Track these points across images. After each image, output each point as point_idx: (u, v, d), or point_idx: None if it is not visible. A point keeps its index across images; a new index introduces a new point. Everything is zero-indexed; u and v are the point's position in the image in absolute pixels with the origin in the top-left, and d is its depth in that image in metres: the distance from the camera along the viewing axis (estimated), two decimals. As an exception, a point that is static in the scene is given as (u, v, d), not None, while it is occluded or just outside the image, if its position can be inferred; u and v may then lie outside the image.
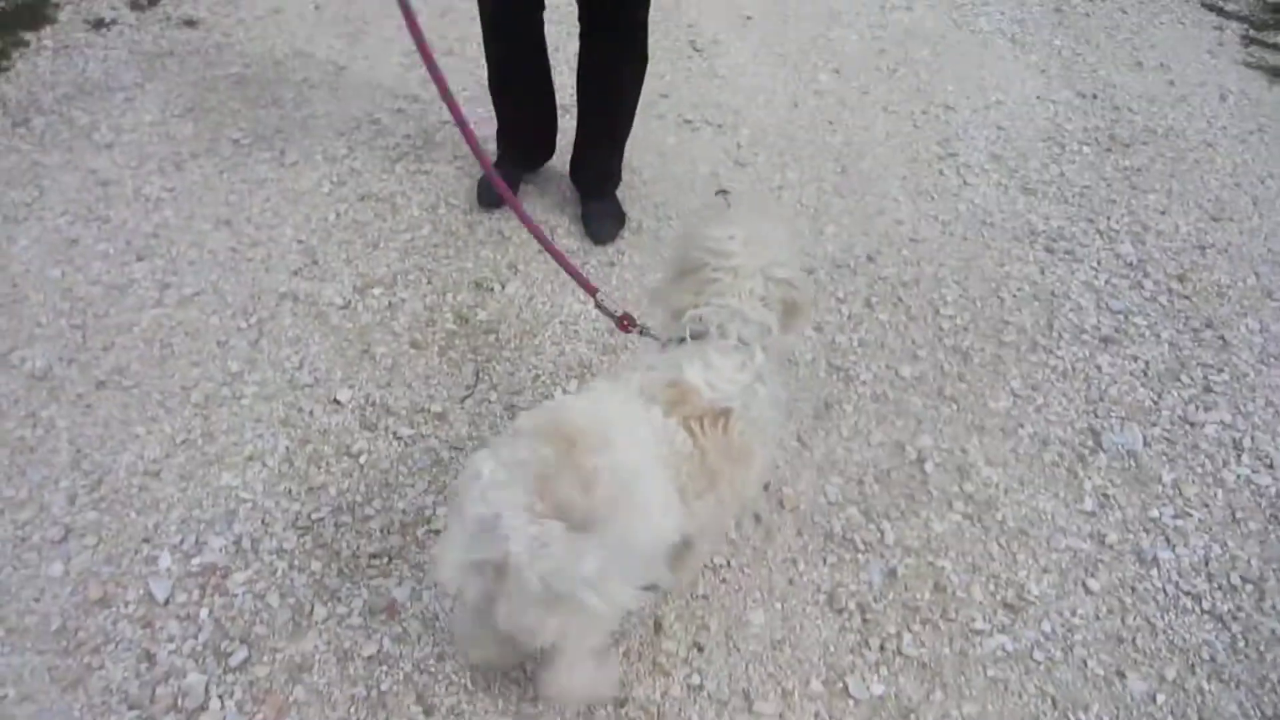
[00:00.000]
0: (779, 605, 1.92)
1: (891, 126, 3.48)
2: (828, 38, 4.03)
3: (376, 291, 2.54)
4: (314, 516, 1.98)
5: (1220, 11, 4.64)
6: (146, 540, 1.92)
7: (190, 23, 3.79)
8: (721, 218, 1.58)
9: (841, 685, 1.79)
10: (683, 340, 1.48)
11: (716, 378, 1.41)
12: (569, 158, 2.86)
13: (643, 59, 2.56)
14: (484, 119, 2.93)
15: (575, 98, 2.71)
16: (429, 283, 2.60)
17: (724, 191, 1.73)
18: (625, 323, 1.69)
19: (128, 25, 3.74)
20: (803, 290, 1.52)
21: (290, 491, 2.02)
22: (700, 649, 1.83)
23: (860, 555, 2.03)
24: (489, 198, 2.81)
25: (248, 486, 2.03)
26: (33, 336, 2.35)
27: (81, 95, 3.30)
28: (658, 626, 1.86)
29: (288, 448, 2.11)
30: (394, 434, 2.17)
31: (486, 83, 2.75)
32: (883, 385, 2.43)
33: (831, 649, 1.85)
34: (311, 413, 2.20)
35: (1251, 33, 4.45)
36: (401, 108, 3.31)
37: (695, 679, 1.78)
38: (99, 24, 3.76)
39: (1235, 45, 4.32)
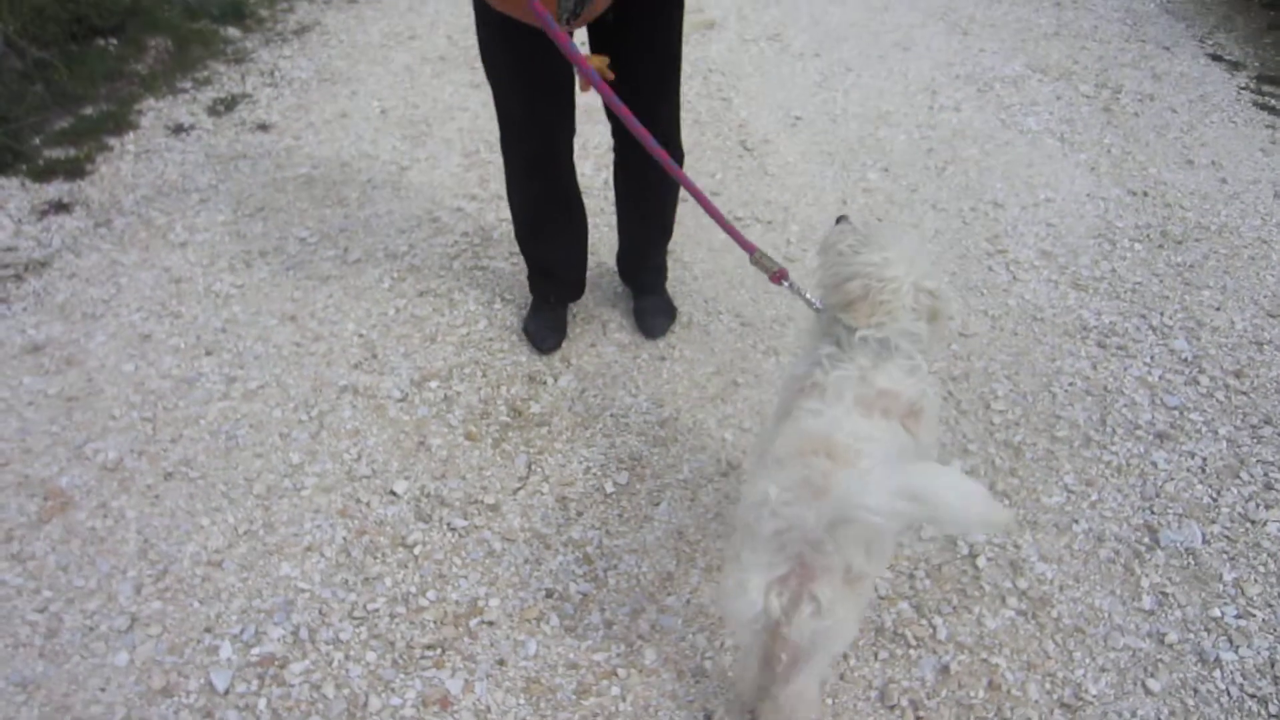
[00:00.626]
0: (830, 701, 1.93)
1: (940, 223, 3.57)
2: (876, 137, 4.16)
3: (433, 384, 2.66)
4: (369, 607, 2.05)
5: (1272, 110, 4.71)
6: (208, 630, 2.00)
7: (263, 127, 4.05)
8: (870, 241, 1.72)
9: None
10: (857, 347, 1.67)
11: (903, 384, 1.60)
12: (614, 255, 2.96)
13: (678, 159, 2.57)
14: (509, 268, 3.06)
15: (614, 203, 2.81)
16: (484, 375, 2.71)
17: (844, 217, 1.87)
18: (778, 277, 1.96)
19: (205, 130, 4.01)
20: (945, 297, 1.72)
21: (347, 582, 2.10)
22: (750, 746, 1.84)
23: (912, 651, 2.04)
24: (546, 343, 2.81)
25: (306, 577, 2.11)
26: (106, 429, 2.49)
27: (159, 197, 3.53)
28: (708, 717, 1.88)
29: (345, 538, 2.20)
30: (448, 525, 2.25)
31: (514, 234, 2.78)
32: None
33: None
34: (369, 504, 2.30)
35: (1305, 128, 4.50)
36: (460, 206, 3.49)
37: (745, 778, 1.79)
38: (178, 129, 4.04)
39: (1289, 141, 4.37)
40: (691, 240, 3.28)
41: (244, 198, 3.53)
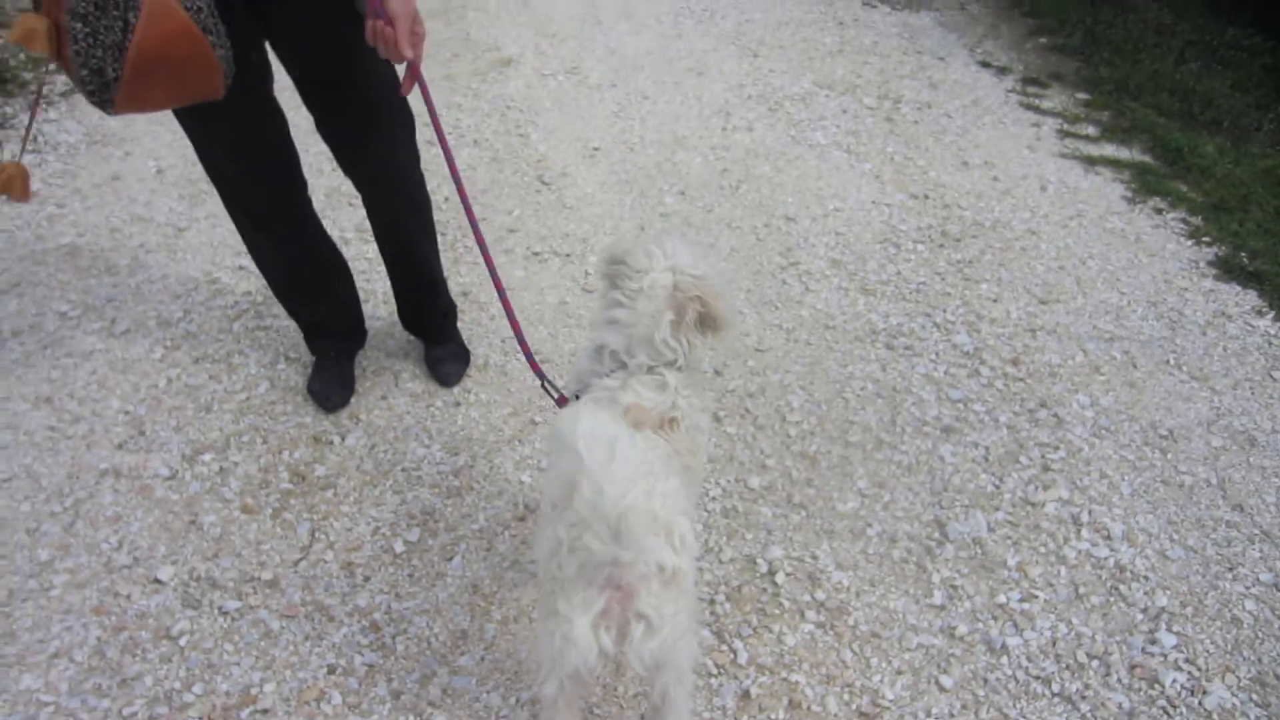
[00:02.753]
0: None
1: (736, 241, 3.58)
2: (673, 162, 4.17)
3: (207, 457, 2.46)
4: (125, 712, 1.84)
5: (1036, 110, 4.98)
6: None
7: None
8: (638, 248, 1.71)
9: None
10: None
11: (652, 399, 1.62)
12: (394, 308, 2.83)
13: (424, 206, 2.52)
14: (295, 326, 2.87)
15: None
16: (264, 442, 2.53)
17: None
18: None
19: None
20: (716, 302, 1.68)
21: (100, 687, 1.89)
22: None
23: (713, 680, 1.98)
24: (330, 401, 2.67)
25: (51, 688, 1.89)
26: None
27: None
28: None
29: (99, 638, 1.99)
30: (219, 609, 2.07)
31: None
32: (732, 499, 2.43)
33: None
34: (129, 596, 2.09)
35: (1065, 126, 4.78)
36: (243, 265, 3.28)
37: None
38: None
39: (1052, 139, 4.63)
40: (487, 280, 3.17)
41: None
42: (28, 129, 2.23)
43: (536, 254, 3.48)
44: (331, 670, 1.96)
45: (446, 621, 2.08)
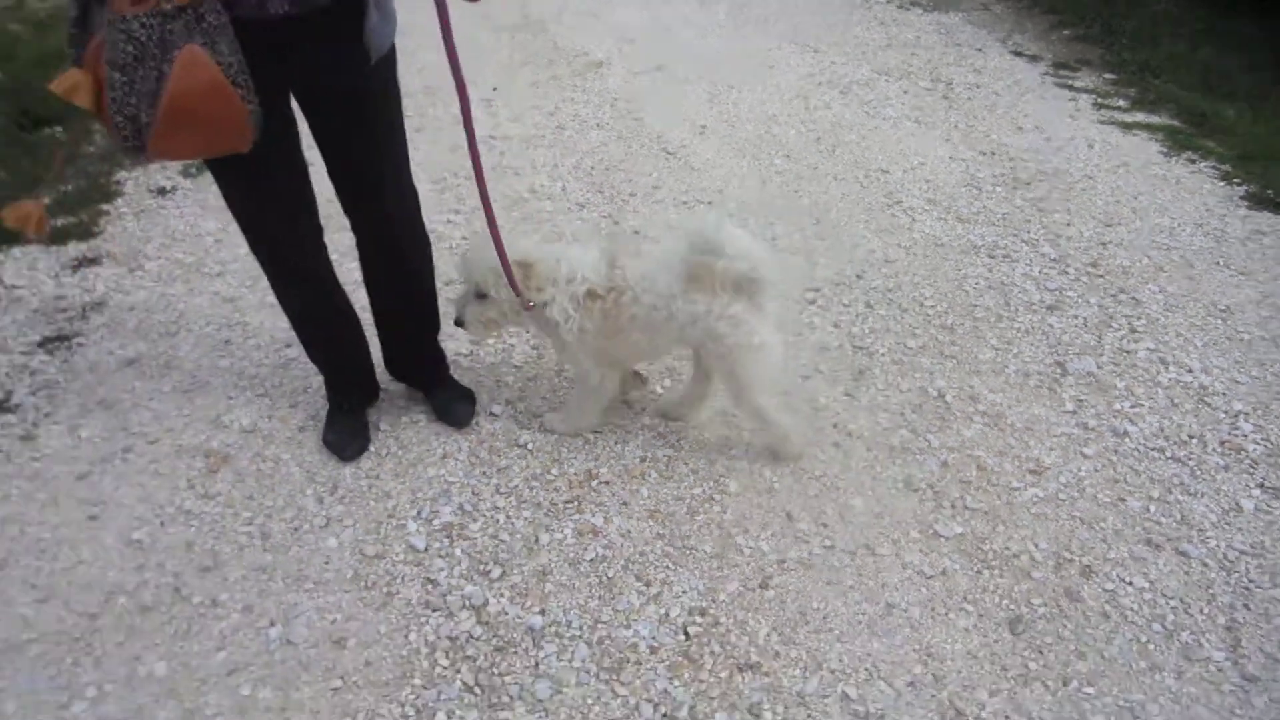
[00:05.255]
0: (870, 493, 2.71)
1: (844, 189, 4.50)
2: (771, 134, 5.10)
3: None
4: (510, 485, 2.70)
5: (1070, 88, 5.95)
6: (390, 516, 2.60)
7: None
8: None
9: (932, 530, 2.57)
10: None
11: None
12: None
13: (428, 245, 2.64)
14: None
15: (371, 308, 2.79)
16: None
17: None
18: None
19: (187, 190, 4.56)
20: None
21: (484, 473, 2.75)
22: (825, 525, 2.59)
23: (917, 457, 2.84)
24: (347, 452, 2.79)
25: (451, 474, 2.74)
26: (230, 405, 3.02)
27: (176, 242, 4.06)
28: (789, 516, 2.62)
29: (470, 447, 2.84)
30: (545, 427, 2.92)
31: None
32: (897, 355, 3.31)
33: (917, 512, 2.64)
34: (477, 423, 2.94)
35: (1099, 100, 5.74)
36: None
37: (828, 542, 2.54)
38: (162, 191, 4.57)
39: (1089, 110, 5.59)
40: (651, 224, 4.07)
41: (254, 234, 4.08)
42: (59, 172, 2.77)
43: (684, 203, 4.38)
44: (643, 460, 2.83)
45: (712, 432, 2.95)
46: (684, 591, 2.36)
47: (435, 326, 2.83)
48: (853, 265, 3.82)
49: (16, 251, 3.94)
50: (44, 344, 3.36)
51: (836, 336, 3.36)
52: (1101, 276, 3.79)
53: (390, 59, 2.23)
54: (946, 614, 2.30)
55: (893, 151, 4.84)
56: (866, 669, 2.16)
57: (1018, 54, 6.55)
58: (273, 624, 2.27)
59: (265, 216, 2.33)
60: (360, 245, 2.58)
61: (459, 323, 2.60)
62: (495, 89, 5.71)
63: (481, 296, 2.52)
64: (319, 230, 2.44)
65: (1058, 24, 7.22)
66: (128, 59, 1.78)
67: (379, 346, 2.92)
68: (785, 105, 5.46)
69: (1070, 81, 6.02)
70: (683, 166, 4.71)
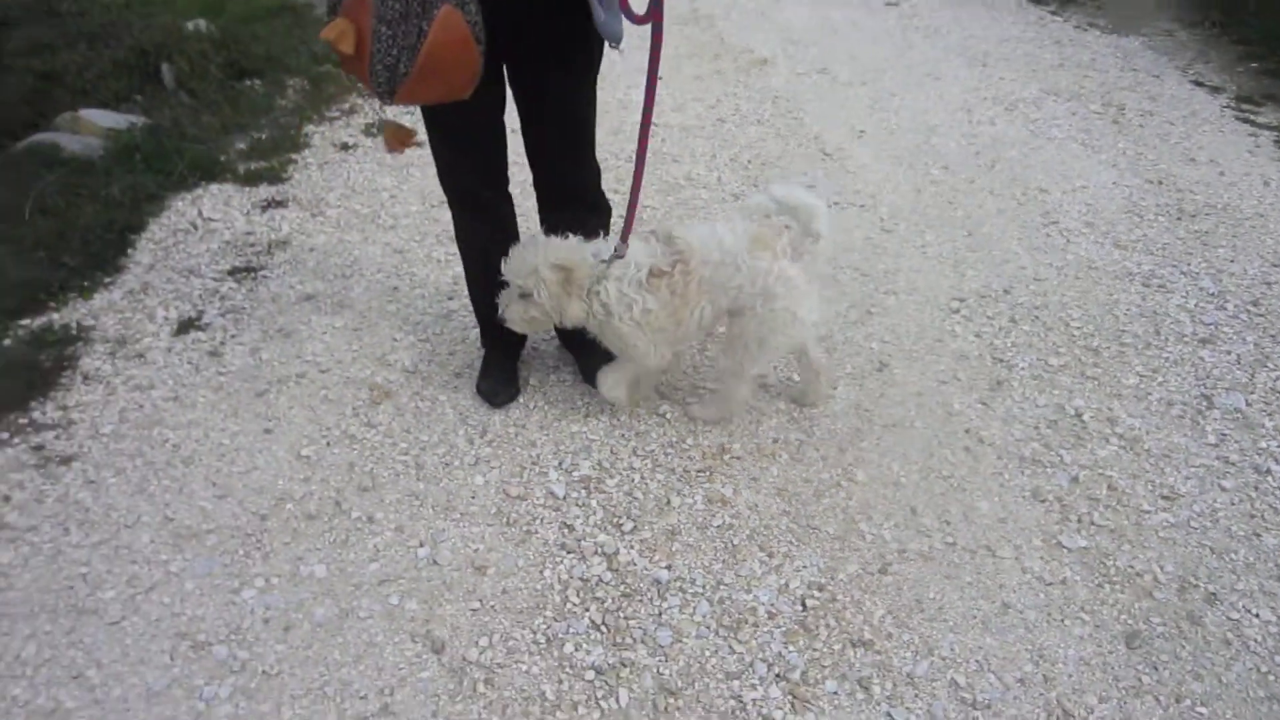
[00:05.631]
0: (996, 498, 2.75)
1: (1000, 205, 4.49)
2: (930, 144, 5.11)
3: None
4: (648, 449, 2.86)
5: (1252, 123, 5.74)
6: (534, 463, 2.79)
7: (420, 144, 4.91)
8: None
9: (1056, 540, 2.61)
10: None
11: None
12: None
13: (607, 212, 2.87)
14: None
15: None
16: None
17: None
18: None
19: (367, 147, 4.87)
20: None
21: (624, 435, 2.91)
22: (948, 523, 2.66)
23: (1047, 470, 2.87)
24: (498, 398, 3.00)
25: (593, 432, 2.91)
26: (394, 346, 3.27)
27: (354, 194, 4.37)
28: (913, 510, 2.69)
29: (612, 409, 3.01)
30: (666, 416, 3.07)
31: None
32: (1037, 370, 3.32)
33: (1042, 521, 2.67)
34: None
35: (1282, 135, 5.52)
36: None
37: (949, 539, 2.61)
38: (345, 146, 4.90)
39: (1270, 148, 5.38)
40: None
41: (426, 195, 4.37)
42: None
43: (836, 203, 4.46)
44: (775, 441, 2.94)
45: (843, 424, 3.03)
46: (804, 566, 2.47)
47: None
48: (1000, 280, 3.83)
49: (214, 188, 4.33)
50: (233, 273, 3.69)
51: (977, 346, 3.40)
52: (1262, 316, 3.70)
53: (598, 50, 2.45)
54: (1062, 620, 2.34)
55: (1054, 172, 4.80)
56: (977, 660, 2.23)
57: (1198, 84, 6.34)
58: (422, 545, 2.48)
59: (461, 163, 2.64)
60: (541, 206, 2.79)
61: (502, 320, 2.66)
62: (660, 78, 5.87)
63: (525, 296, 2.57)
64: (506, 184, 2.74)
65: (1245, 55, 6.95)
66: (394, 15, 2.01)
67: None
68: (947, 117, 5.46)
69: (1253, 116, 5.81)
70: (838, 168, 4.79)
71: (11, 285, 3.43)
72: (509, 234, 2.79)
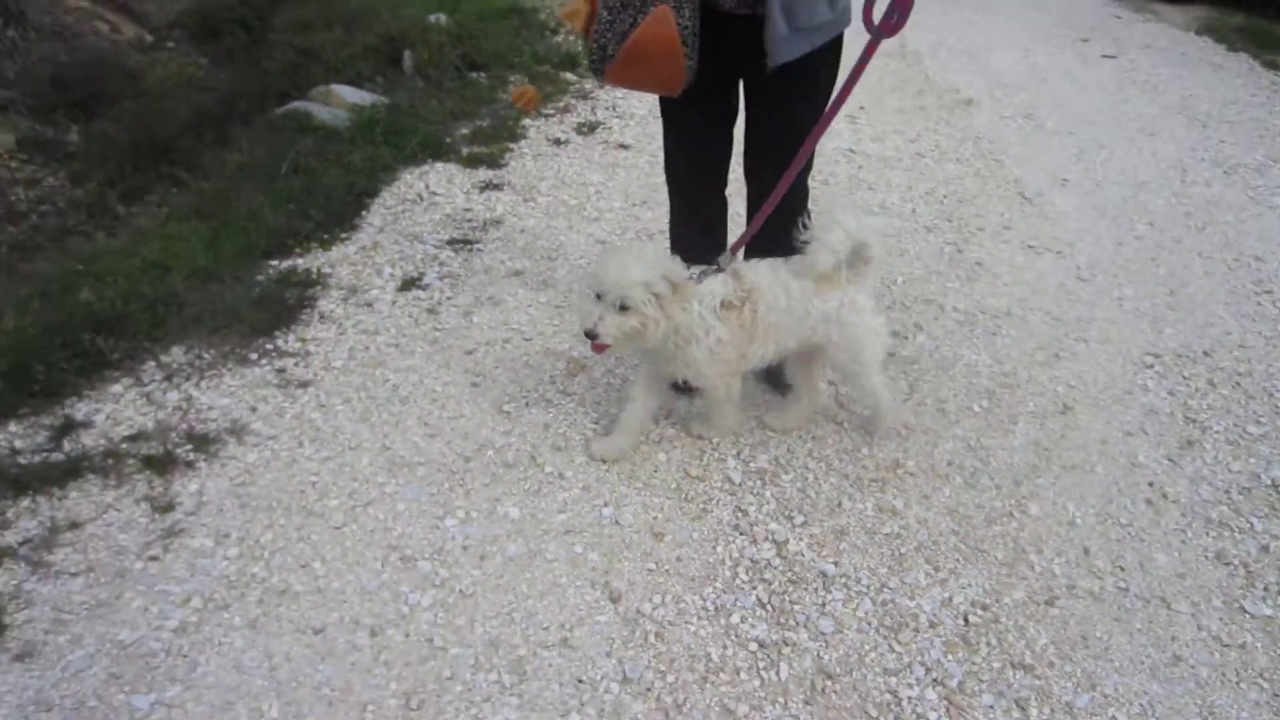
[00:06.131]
0: (1177, 554, 2.71)
1: (1207, 268, 4.36)
2: (1138, 200, 5.00)
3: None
4: (823, 453, 2.95)
5: None
6: (713, 449, 2.93)
7: (623, 146, 5.17)
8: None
9: (1239, 605, 2.55)
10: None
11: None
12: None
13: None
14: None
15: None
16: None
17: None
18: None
19: (578, 144, 5.15)
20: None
21: (799, 437, 3.01)
22: (1122, 568, 2.64)
23: (1235, 534, 2.80)
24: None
25: (771, 430, 3.03)
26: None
27: (564, 186, 4.64)
28: (1086, 551, 2.69)
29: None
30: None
31: None
32: (1233, 436, 3.23)
33: (1224, 584, 2.61)
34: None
35: None
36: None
37: (1122, 584, 2.59)
38: (557, 141, 5.19)
39: None
40: (994, 259, 4.15)
41: (629, 194, 4.59)
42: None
43: (1031, 247, 4.43)
44: (950, 464, 2.98)
45: (1021, 458, 3.04)
46: (969, 585, 2.51)
47: None
48: (1202, 342, 3.74)
49: (439, 166, 4.69)
50: (451, 243, 4.00)
51: (1169, 404, 3.34)
52: None
53: (821, 64, 2.59)
54: (1238, 683, 2.31)
55: (1273, 241, 4.62)
56: (1142, 704, 2.23)
57: None
58: (606, 505, 2.66)
59: (683, 161, 2.86)
60: (750, 209, 2.88)
61: (590, 334, 2.45)
62: (862, 108, 5.97)
63: (625, 309, 2.41)
64: (723, 187, 2.92)
65: None
66: (616, 5, 2.27)
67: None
68: (1159, 174, 5.32)
69: None
70: (1037, 214, 4.76)
71: (268, 230, 3.83)
72: (716, 236, 2.95)
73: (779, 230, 2.62)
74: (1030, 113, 6.20)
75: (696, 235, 2.90)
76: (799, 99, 2.57)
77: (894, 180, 4.99)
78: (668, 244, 3.02)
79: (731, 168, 2.91)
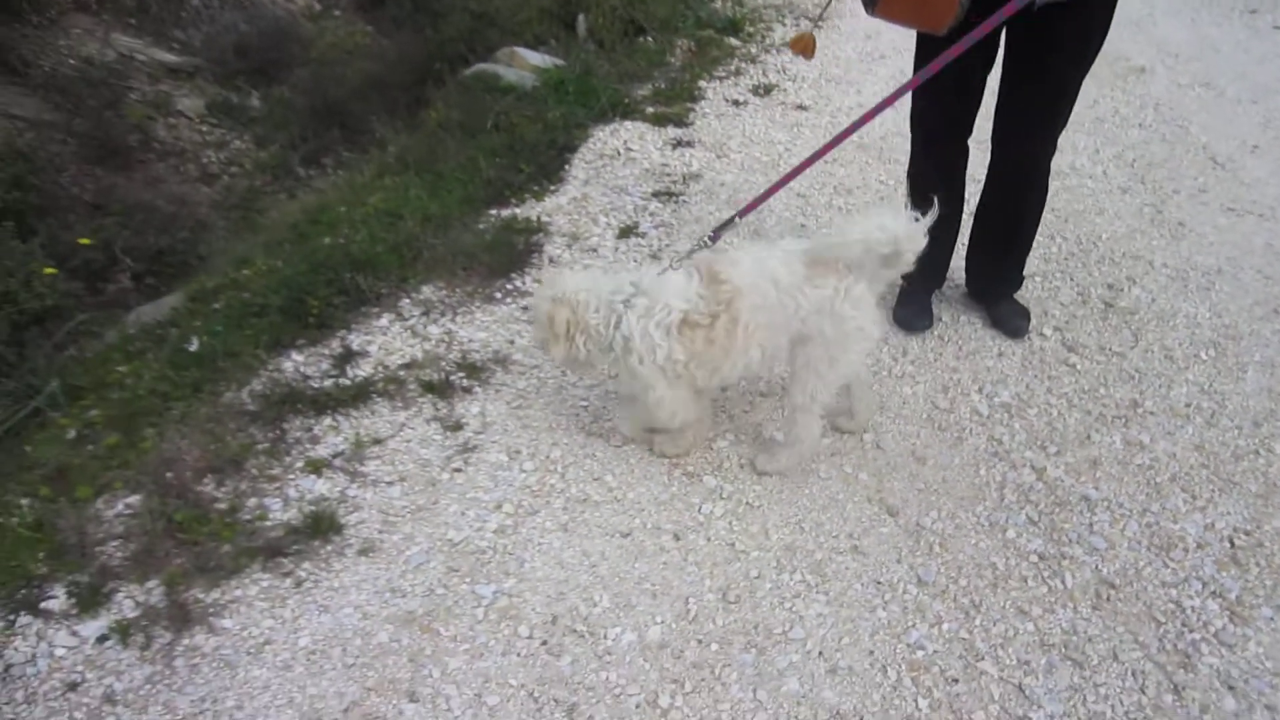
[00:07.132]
0: None
1: None
2: (1334, 166, 4.99)
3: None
4: (1062, 390, 3.09)
5: None
6: (956, 384, 3.10)
7: (801, 107, 5.33)
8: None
9: None
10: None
11: None
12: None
13: (1043, 194, 3.06)
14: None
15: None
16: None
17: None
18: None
19: (756, 105, 5.33)
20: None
21: (1035, 376, 3.16)
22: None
23: None
24: (914, 326, 3.30)
25: (1009, 368, 3.18)
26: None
27: (751, 144, 4.82)
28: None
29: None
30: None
31: None
32: None
33: None
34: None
35: None
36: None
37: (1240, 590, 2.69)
38: (736, 103, 5.37)
39: None
40: (1196, 221, 4.23)
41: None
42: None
43: (1231, 210, 4.48)
44: (1187, 405, 3.09)
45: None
46: (1227, 513, 2.65)
47: (1024, 255, 3.30)
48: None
49: (628, 124, 4.92)
50: (656, 195, 4.23)
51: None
52: None
53: (1097, 7, 2.61)
54: None
55: None
56: None
57: None
58: (866, 432, 2.85)
59: (933, 108, 2.96)
60: (991, 175, 3.04)
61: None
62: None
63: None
64: (967, 136, 3.02)
65: None
66: None
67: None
68: (1353, 142, 5.29)
69: None
70: (1231, 178, 4.79)
71: (486, 181, 4.10)
72: (955, 186, 3.10)
73: (1013, 175, 2.88)
74: (1208, 81, 6.19)
75: (937, 183, 2.92)
76: (1063, 55, 2.64)
77: (1079, 143, 5.07)
78: (903, 195, 3.16)
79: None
